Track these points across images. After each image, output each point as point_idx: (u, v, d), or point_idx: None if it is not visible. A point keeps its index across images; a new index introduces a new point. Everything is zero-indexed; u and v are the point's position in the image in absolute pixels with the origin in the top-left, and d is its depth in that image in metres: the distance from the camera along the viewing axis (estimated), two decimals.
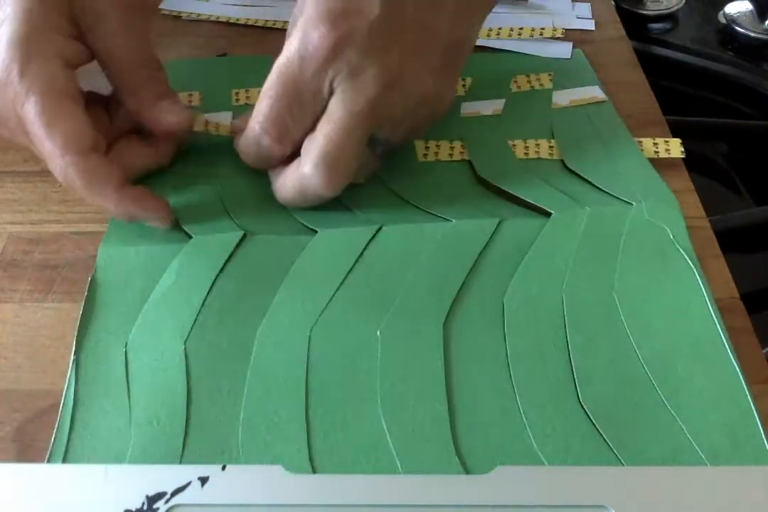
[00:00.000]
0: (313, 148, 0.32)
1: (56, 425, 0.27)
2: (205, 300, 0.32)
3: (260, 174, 0.36)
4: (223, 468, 0.25)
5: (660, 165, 0.37)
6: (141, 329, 0.31)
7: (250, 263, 0.33)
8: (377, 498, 0.24)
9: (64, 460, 0.27)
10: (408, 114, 0.33)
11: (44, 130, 0.31)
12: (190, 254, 0.33)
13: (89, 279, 0.32)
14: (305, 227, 0.35)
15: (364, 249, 0.33)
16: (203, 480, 0.24)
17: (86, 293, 0.32)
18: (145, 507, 0.24)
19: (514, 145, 0.38)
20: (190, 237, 0.34)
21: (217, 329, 0.31)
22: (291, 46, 0.31)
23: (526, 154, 0.38)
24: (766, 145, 0.50)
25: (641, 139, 0.38)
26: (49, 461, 0.26)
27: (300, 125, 0.32)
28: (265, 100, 0.32)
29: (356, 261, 0.33)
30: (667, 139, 0.38)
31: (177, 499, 0.24)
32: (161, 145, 0.36)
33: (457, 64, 0.36)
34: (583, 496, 0.24)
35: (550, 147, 0.38)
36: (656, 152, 0.37)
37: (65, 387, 0.29)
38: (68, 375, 0.29)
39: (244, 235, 0.34)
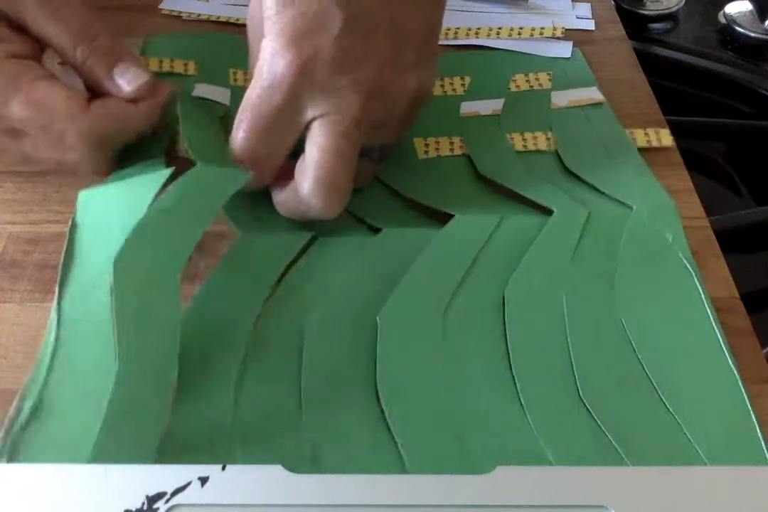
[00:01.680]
0: (307, 176, 0.31)
1: (34, 364, 0.27)
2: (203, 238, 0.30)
3: None
4: (223, 468, 0.25)
5: (660, 165, 0.37)
6: (131, 249, 0.29)
7: (243, 262, 0.33)
8: (377, 498, 0.24)
9: (40, 396, 0.26)
10: (395, 116, 0.33)
11: (38, 112, 0.32)
12: (193, 181, 0.31)
13: (69, 223, 0.32)
14: (298, 225, 0.34)
15: (365, 253, 0.33)
16: (203, 480, 0.24)
17: (66, 238, 0.32)
18: (145, 507, 0.24)
19: (512, 138, 0.38)
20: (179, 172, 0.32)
21: (213, 312, 0.30)
22: (259, 78, 0.31)
23: (524, 146, 0.38)
24: (766, 145, 0.50)
25: (633, 130, 0.39)
26: (22, 397, 0.26)
27: (278, 153, 0.32)
28: (238, 134, 0.32)
29: (357, 269, 0.33)
30: (657, 129, 0.39)
31: (177, 499, 0.24)
32: (141, 105, 0.35)
33: (432, 51, 0.34)
34: (583, 496, 0.24)
35: (547, 138, 0.38)
36: (648, 141, 0.38)
37: (47, 329, 0.28)
38: (50, 316, 0.29)
39: (231, 230, 0.33)
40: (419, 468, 0.26)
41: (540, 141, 0.38)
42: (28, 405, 0.26)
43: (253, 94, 0.31)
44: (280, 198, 0.34)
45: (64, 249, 0.31)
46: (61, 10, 0.34)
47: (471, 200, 0.35)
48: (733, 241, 0.37)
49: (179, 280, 0.29)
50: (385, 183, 0.36)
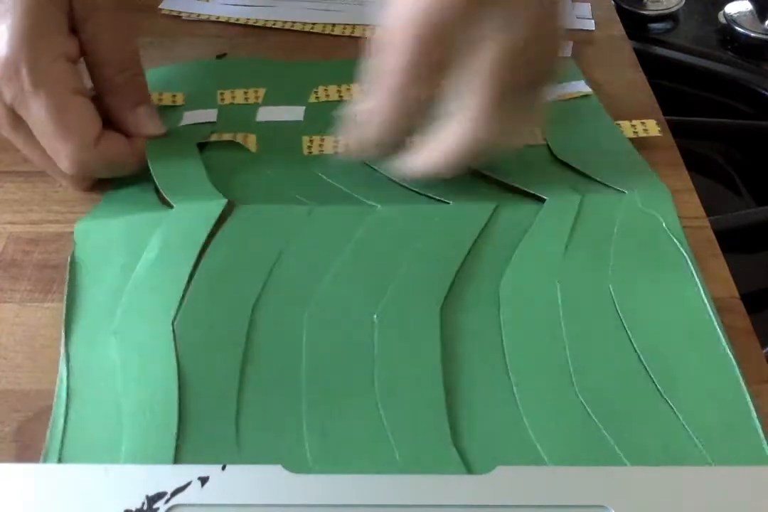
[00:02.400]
0: (469, 101, 0.31)
1: (51, 419, 0.27)
2: (190, 277, 0.31)
3: (245, 150, 0.37)
4: (223, 468, 0.25)
5: (660, 165, 0.37)
6: (127, 312, 0.30)
7: (238, 235, 0.33)
8: (377, 498, 0.24)
9: (60, 454, 0.26)
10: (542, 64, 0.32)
11: (55, 127, 0.32)
12: (172, 226, 0.33)
13: (68, 259, 0.32)
14: (295, 198, 0.35)
15: (359, 229, 0.33)
16: (203, 480, 0.24)
17: (66, 275, 0.32)
18: (145, 507, 0.24)
19: None
20: (171, 206, 0.34)
21: (207, 310, 0.30)
22: None
23: None
24: (766, 145, 0.50)
25: (619, 122, 0.39)
26: (45, 457, 0.26)
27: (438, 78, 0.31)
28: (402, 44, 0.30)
29: (350, 242, 0.33)
30: (643, 121, 0.39)
31: (177, 499, 0.24)
32: (138, 142, 0.36)
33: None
34: (583, 496, 0.24)
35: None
36: (635, 133, 0.38)
37: (58, 380, 0.28)
38: (60, 368, 0.29)
39: (229, 204, 0.34)
40: (412, 468, 0.26)
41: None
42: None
43: (421, 6, 0.29)
44: (423, 151, 0.33)
45: (66, 287, 0.31)
46: (124, 31, 0.34)
47: (465, 187, 0.35)
48: (733, 241, 0.37)
49: (172, 331, 0.29)
50: (380, 169, 0.36)
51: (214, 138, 0.38)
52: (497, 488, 0.24)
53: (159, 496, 0.24)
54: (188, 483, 0.24)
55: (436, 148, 0.33)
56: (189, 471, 0.24)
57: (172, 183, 0.35)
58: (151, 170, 0.36)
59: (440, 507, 0.24)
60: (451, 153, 0.33)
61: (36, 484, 0.24)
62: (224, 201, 0.34)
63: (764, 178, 0.49)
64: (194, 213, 0.33)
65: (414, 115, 0.32)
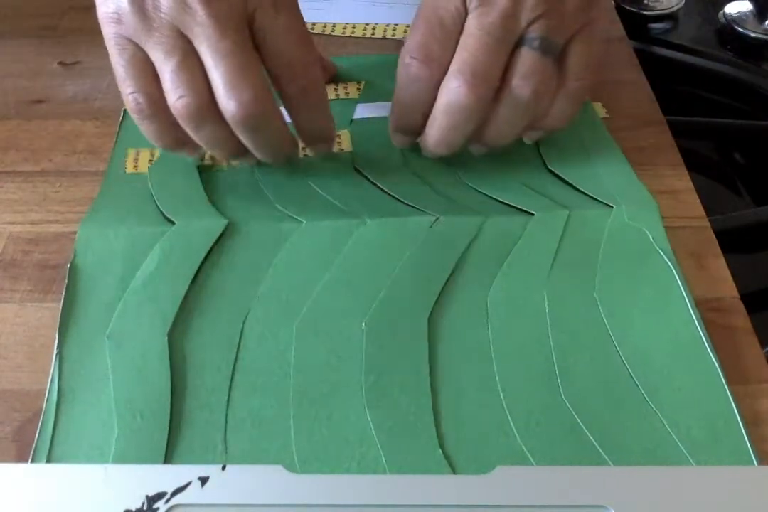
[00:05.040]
0: (454, 62, 0.32)
1: (40, 420, 0.27)
2: (188, 290, 0.32)
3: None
4: (223, 468, 0.25)
5: (660, 165, 0.37)
6: (122, 319, 0.31)
7: (234, 252, 0.33)
8: (377, 498, 0.24)
9: (50, 455, 0.27)
10: (559, 9, 0.32)
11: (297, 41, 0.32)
12: (173, 242, 0.33)
13: (68, 265, 0.32)
14: (288, 216, 0.35)
15: (349, 242, 0.33)
16: (203, 480, 0.24)
17: (66, 280, 0.32)
18: (145, 507, 0.24)
19: None
20: (172, 223, 0.34)
21: (201, 321, 0.31)
22: None
23: None
24: (766, 145, 0.50)
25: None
26: (33, 456, 0.27)
27: (446, 49, 0.33)
28: (411, 32, 0.33)
29: (340, 254, 0.33)
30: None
31: (177, 499, 0.24)
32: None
33: None
34: (583, 496, 0.24)
35: None
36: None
37: (49, 381, 0.29)
38: (52, 369, 0.29)
39: (228, 224, 0.34)
40: (398, 471, 0.26)
41: None
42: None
43: None
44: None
45: (64, 291, 0.32)
46: (308, 37, 0.33)
47: (454, 199, 0.36)
48: (733, 241, 0.37)
49: (166, 340, 0.30)
50: (371, 180, 0.37)
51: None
52: (497, 488, 0.24)
53: (159, 496, 0.24)
54: (188, 483, 0.24)
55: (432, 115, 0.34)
56: (189, 471, 0.24)
57: (172, 203, 0.35)
58: (152, 192, 0.36)
59: (440, 507, 0.24)
60: (437, 119, 0.34)
61: (36, 484, 0.24)
62: (225, 221, 0.34)
63: (764, 178, 0.49)
64: (195, 230, 0.34)
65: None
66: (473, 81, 0.32)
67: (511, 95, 0.33)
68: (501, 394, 0.28)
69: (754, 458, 0.26)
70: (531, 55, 0.32)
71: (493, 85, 0.32)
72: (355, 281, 0.32)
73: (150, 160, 0.38)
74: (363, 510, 0.24)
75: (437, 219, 0.34)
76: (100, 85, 0.43)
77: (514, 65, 0.33)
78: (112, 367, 0.29)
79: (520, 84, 0.32)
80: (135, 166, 0.38)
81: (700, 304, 0.31)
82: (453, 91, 0.32)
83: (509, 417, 0.27)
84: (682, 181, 0.37)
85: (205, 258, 0.33)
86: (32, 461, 0.26)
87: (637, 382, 0.28)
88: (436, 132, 0.34)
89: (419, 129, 0.35)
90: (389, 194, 0.36)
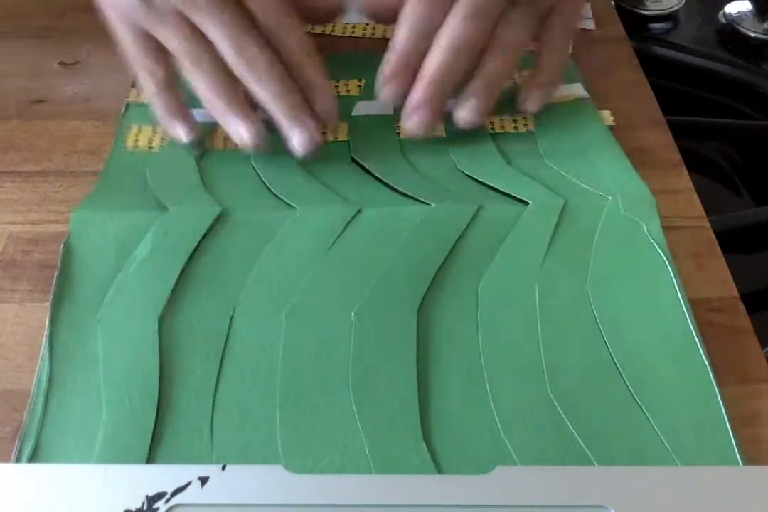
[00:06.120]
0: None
1: (29, 402, 0.28)
2: (180, 276, 0.32)
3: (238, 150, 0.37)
4: (223, 468, 0.25)
5: (660, 165, 0.37)
6: (113, 302, 0.31)
7: (227, 239, 0.33)
8: (377, 498, 0.24)
9: (38, 437, 0.27)
10: None
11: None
12: (166, 227, 0.33)
13: (62, 245, 0.32)
14: (282, 202, 0.35)
15: (342, 231, 0.33)
16: (203, 480, 0.24)
17: (59, 261, 0.32)
18: (145, 507, 0.24)
19: (491, 122, 0.39)
20: (166, 208, 0.34)
21: (192, 307, 0.31)
22: None
23: (502, 127, 0.39)
24: (766, 145, 0.50)
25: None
26: (22, 440, 0.27)
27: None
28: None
29: (333, 243, 0.33)
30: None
31: (177, 499, 0.24)
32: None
33: None
34: (583, 496, 0.24)
35: (524, 118, 0.39)
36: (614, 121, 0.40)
37: (38, 365, 0.29)
38: (42, 350, 0.29)
39: (222, 210, 0.34)
40: (382, 464, 0.26)
41: (518, 123, 0.39)
42: (27, 448, 0.27)
43: None
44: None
45: (56, 274, 0.32)
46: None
47: (449, 187, 0.36)
48: (733, 241, 0.37)
49: (157, 326, 0.30)
50: (367, 168, 0.37)
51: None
52: (497, 488, 0.24)
53: (159, 496, 0.24)
54: (188, 483, 0.24)
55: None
56: (189, 471, 0.24)
57: (168, 189, 0.35)
58: (148, 177, 0.36)
59: (440, 507, 0.24)
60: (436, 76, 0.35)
61: (36, 484, 0.24)
62: (219, 208, 0.34)
63: (764, 178, 0.49)
64: (189, 216, 0.34)
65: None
66: (475, 13, 0.34)
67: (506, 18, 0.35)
68: (488, 388, 0.28)
69: (740, 460, 0.26)
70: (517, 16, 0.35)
71: (493, 16, 0.34)
72: (347, 270, 0.32)
73: (150, 139, 0.38)
74: (363, 510, 0.24)
75: (432, 207, 0.34)
76: (100, 85, 0.43)
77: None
78: (102, 351, 0.29)
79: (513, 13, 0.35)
80: (136, 141, 0.38)
81: (700, 304, 0.31)
82: (451, 25, 0.34)
83: (494, 412, 0.27)
84: (682, 181, 0.37)
85: (198, 244, 0.33)
86: (21, 443, 0.27)
87: (625, 379, 0.28)
88: (433, 67, 0.35)
89: (415, 74, 0.36)
90: (385, 183, 0.36)
